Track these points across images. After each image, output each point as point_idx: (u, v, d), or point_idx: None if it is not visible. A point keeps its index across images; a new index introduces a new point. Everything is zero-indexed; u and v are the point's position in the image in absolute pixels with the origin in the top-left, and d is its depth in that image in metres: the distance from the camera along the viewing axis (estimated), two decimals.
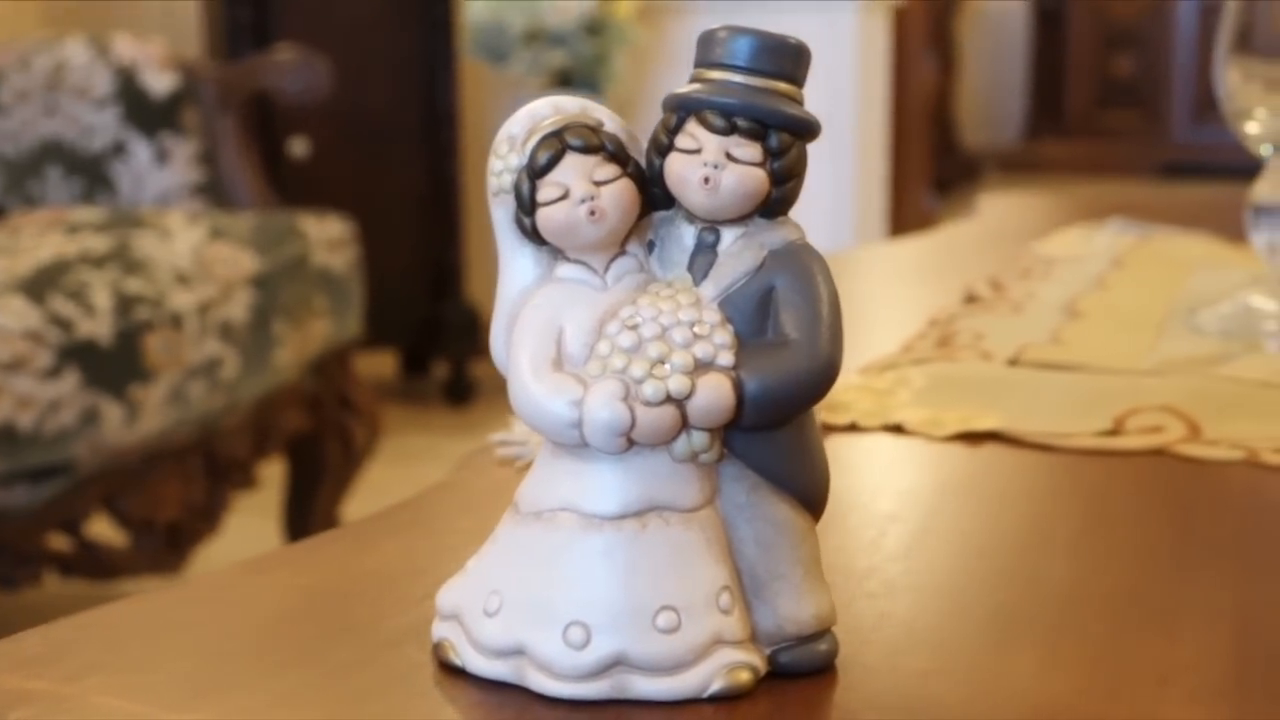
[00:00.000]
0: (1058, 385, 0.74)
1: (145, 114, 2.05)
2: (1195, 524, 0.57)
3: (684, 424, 0.41)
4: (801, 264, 0.43)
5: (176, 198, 2.04)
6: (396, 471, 2.35)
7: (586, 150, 0.42)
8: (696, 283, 0.43)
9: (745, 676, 0.42)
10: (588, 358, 0.42)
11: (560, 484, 0.42)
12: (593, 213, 0.42)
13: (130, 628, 0.46)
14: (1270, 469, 0.63)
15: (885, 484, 0.64)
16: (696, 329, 0.42)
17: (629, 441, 0.41)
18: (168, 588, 0.50)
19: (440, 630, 0.44)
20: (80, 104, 2.05)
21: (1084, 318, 0.89)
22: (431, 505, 0.59)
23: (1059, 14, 6.11)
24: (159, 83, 2.06)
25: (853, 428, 0.69)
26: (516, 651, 0.42)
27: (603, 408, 0.41)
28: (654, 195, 0.43)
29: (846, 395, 0.72)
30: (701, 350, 0.41)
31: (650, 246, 0.44)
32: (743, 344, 0.42)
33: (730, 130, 0.42)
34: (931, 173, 4.47)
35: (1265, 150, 0.83)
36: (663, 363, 0.41)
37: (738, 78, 0.42)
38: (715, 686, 0.41)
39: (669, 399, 0.41)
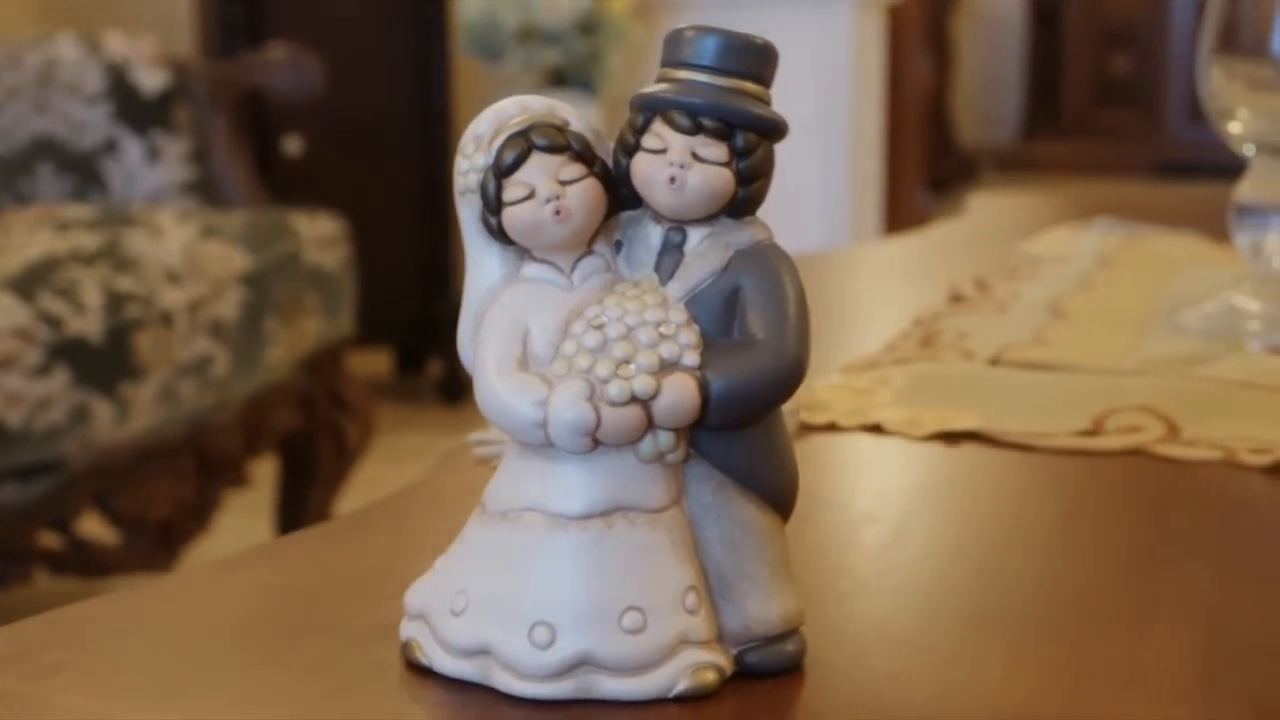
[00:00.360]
0: (1038, 385, 0.74)
1: (136, 111, 2.05)
2: (1170, 524, 0.57)
3: (649, 424, 0.41)
4: (768, 264, 0.43)
5: (168, 195, 2.04)
6: (390, 470, 2.34)
7: (552, 150, 0.42)
8: (663, 282, 0.43)
9: (711, 677, 0.42)
10: (553, 357, 0.42)
11: (527, 484, 0.42)
12: (558, 212, 0.42)
13: (97, 626, 0.46)
14: (1247, 469, 0.63)
15: (862, 484, 0.64)
16: (662, 329, 0.42)
17: (594, 442, 0.41)
18: (137, 586, 0.50)
19: (408, 630, 0.44)
20: (71, 101, 2.05)
21: (1067, 317, 0.89)
22: (407, 504, 0.59)
23: (1055, 13, 6.11)
24: (150, 80, 2.06)
25: (832, 427, 0.69)
26: (482, 651, 0.42)
27: (567, 408, 0.40)
28: (621, 195, 0.43)
29: (826, 395, 0.72)
30: (667, 350, 0.41)
31: (618, 246, 0.44)
32: (709, 344, 0.42)
33: (696, 130, 0.42)
34: (927, 172, 4.47)
35: (1248, 150, 0.83)
36: (628, 363, 0.41)
37: (704, 77, 0.42)
38: (681, 687, 0.41)
39: (634, 399, 0.41)
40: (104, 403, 1.56)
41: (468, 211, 0.44)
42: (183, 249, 1.75)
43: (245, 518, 2.06)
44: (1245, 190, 0.83)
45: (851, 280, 1.12)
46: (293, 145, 2.92)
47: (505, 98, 0.44)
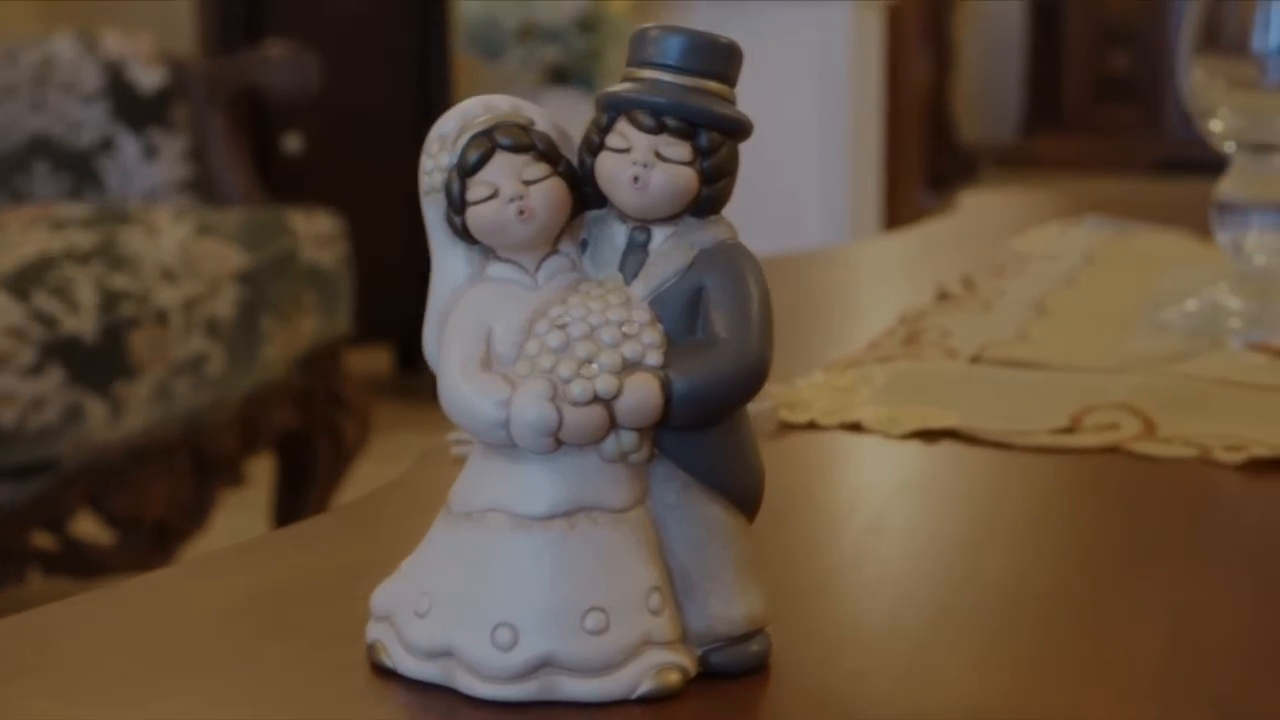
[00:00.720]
0: (1019, 383, 0.74)
1: (134, 109, 2.05)
2: (1142, 522, 0.57)
3: (612, 424, 0.41)
4: (731, 263, 0.43)
5: (165, 194, 2.05)
6: (388, 468, 2.33)
7: (516, 149, 0.42)
8: (628, 282, 0.43)
9: (674, 677, 0.42)
10: (517, 357, 0.42)
11: (490, 484, 0.42)
12: (522, 212, 0.42)
13: (63, 629, 0.46)
14: (1221, 467, 0.62)
15: (839, 482, 0.64)
16: (625, 328, 0.42)
17: (557, 442, 0.41)
18: (103, 589, 0.50)
19: (374, 631, 0.44)
20: (68, 99, 2.05)
21: (1051, 315, 0.88)
22: (381, 504, 0.59)
23: (1055, 10, 6.10)
24: (147, 78, 2.06)
25: (811, 425, 0.69)
26: (445, 653, 0.42)
27: (529, 408, 0.40)
28: (586, 194, 0.43)
29: (808, 393, 0.72)
30: (630, 350, 0.41)
31: (583, 245, 0.44)
32: (672, 343, 0.42)
33: (659, 129, 0.42)
34: (927, 169, 4.46)
35: (1229, 147, 0.83)
36: (590, 362, 0.41)
37: (668, 77, 0.42)
38: (644, 687, 0.41)
39: (596, 399, 0.41)
40: (98, 402, 1.56)
41: (433, 211, 0.44)
42: (178, 247, 1.75)
43: (243, 517, 2.06)
44: (1226, 188, 0.83)
45: (839, 278, 1.11)
46: (292, 143, 2.92)
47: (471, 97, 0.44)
